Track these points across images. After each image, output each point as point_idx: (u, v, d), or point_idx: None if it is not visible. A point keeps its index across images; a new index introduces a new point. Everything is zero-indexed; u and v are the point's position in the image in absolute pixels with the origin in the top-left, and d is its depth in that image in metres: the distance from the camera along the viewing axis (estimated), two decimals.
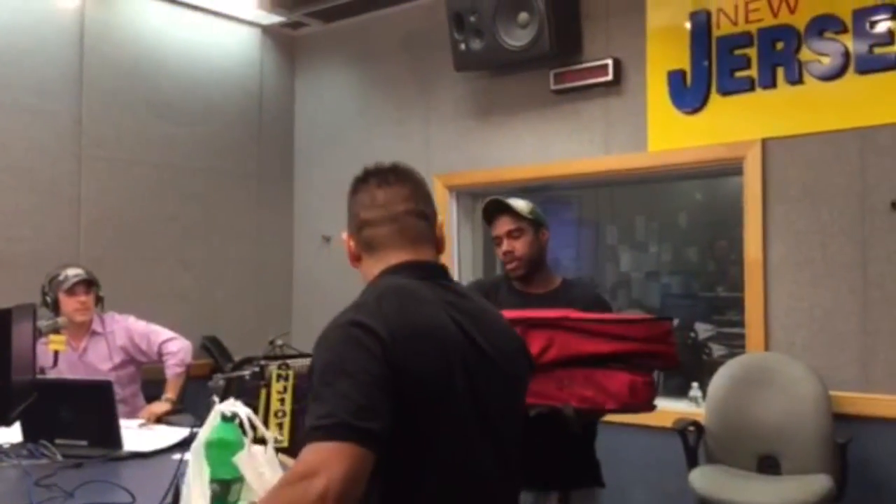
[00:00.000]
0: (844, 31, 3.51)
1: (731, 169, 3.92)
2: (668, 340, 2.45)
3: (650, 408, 2.50)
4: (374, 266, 1.59)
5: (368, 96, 5.23)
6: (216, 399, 1.69)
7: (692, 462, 3.53)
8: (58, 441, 2.60)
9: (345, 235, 1.66)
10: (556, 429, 2.29)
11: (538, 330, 2.32)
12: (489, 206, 2.79)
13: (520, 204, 2.76)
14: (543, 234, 2.77)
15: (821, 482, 3.19)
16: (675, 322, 2.48)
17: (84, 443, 2.63)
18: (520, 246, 2.71)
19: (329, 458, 1.24)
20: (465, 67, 4.52)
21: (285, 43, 5.51)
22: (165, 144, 4.83)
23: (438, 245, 1.65)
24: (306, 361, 2.14)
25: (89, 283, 3.60)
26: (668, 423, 3.57)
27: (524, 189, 4.78)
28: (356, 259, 1.64)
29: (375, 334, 1.37)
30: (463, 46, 4.41)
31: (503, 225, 2.74)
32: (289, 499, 1.24)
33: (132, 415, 3.43)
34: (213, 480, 1.56)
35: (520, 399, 1.65)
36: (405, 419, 1.35)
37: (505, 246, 2.72)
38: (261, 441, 1.64)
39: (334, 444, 1.25)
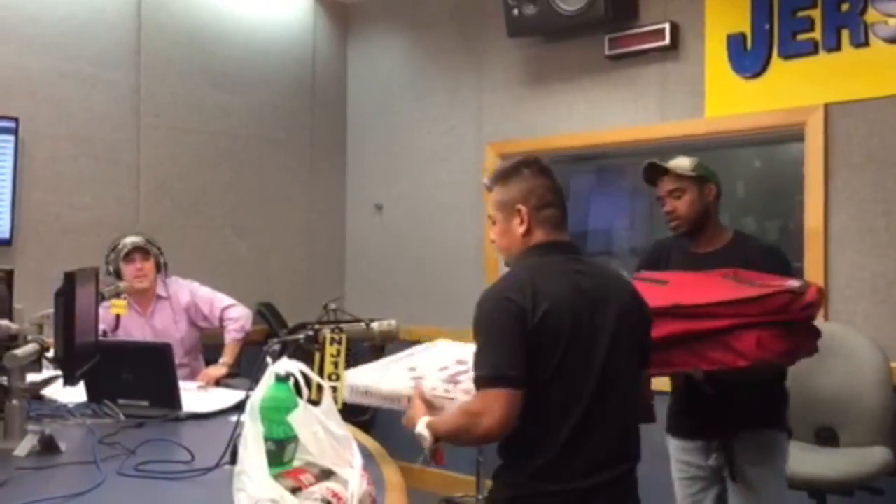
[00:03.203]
0: None
1: (791, 135, 3.82)
2: (791, 309, 2.32)
3: (792, 359, 2.46)
4: (528, 240, 1.99)
5: (421, 64, 5.20)
6: (270, 361, 1.71)
7: None
8: (120, 401, 2.67)
9: (522, 208, 1.98)
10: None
11: (658, 319, 2.21)
12: (647, 170, 2.77)
13: (682, 162, 2.72)
14: (710, 190, 2.70)
15: (880, 454, 3.13)
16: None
17: (145, 403, 2.70)
18: (681, 205, 2.69)
19: (492, 403, 1.78)
20: (519, 33, 4.46)
21: (338, 12, 5.50)
22: (221, 113, 4.89)
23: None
24: (359, 326, 2.16)
25: (145, 251, 3.66)
26: None
27: (577, 157, 4.72)
28: (528, 233, 1.99)
29: (517, 304, 1.83)
30: (516, 12, 4.35)
31: (664, 185, 2.73)
32: (463, 425, 1.83)
33: (192, 378, 3.51)
34: (268, 439, 1.59)
35: (632, 335, 2.00)
36: (543, 359, 1.83)
37: (667, 206, 2.72)
38: (314, 402, 1.67)
39: (494, 391, 1.78)
